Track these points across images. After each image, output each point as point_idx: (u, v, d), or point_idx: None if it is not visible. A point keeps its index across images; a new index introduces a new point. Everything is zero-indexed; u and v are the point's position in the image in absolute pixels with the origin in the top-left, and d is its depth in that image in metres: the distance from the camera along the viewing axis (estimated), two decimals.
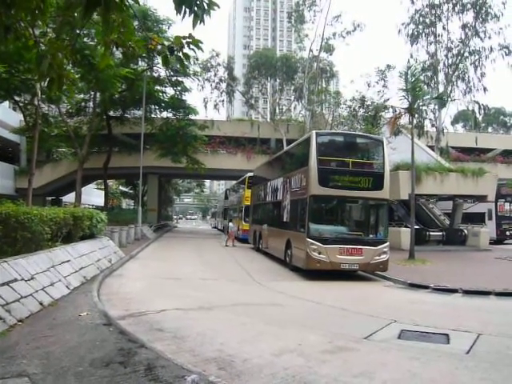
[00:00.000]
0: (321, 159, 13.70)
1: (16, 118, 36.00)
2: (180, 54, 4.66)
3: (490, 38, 34.55)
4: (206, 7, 4.11)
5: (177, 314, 8.03)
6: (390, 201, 15.28)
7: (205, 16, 4.17)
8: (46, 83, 5.09)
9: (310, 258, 13.19)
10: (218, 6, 4.24)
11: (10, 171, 37.57)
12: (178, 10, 4.06)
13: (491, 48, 35.02)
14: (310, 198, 13.51)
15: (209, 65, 40.94)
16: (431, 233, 25.85)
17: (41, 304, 7.42)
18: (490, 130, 69.14)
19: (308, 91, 40.52)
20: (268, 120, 45.70)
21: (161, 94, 33.27)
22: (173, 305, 8.62)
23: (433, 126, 36.52)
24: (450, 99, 34.04)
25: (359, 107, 32.61)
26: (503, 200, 29.98)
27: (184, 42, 4.58)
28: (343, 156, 14.53)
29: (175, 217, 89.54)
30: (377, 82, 33.33)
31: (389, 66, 33.50)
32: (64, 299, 8.33)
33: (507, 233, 29.45)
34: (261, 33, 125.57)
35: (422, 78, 27.86)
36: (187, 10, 4.07)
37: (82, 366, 4.81)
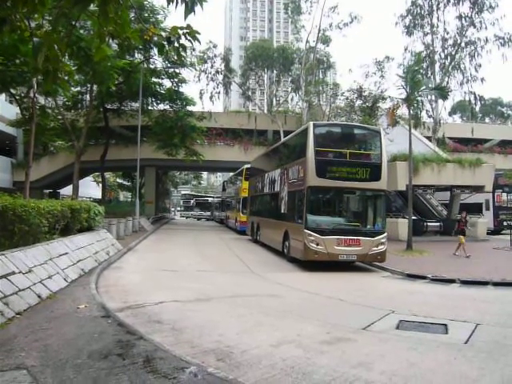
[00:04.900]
0: (318, 150, 13.68)
1: (12, 111, 35.77)
2: (177, 45, 4.62)
3: (486, 28, 34.66)
4: None
5: (175, 305, 8.03)
6: (387, 191, 15.29)
7: (196, 6, 4.13)
8: (42, 77, 5.02)
9: (308, 249, 13.21)
10: None
11: (7, 164, 37.51)
12: None
13: (486, 39, 35.12)
14: (307, 190, 13.50)
15: (206, 56, 40.71)
16: (429, 223, 25.91)
17: (39, 297, 7.41)
18: (487, 120, 69.17)
19: (305, 82, 40.40)
20: (265, 111, 45.59)
21: (157, 86, 33.14)
22: (171, 297, 8.62)
23: (430, 116, 36.56)
24: (449, 90, 34.10)
25: (356, 98, 32.52)
26: (500, 190, 30.01)
27: (181, 32, 4.54)
28: (340, 147, 14.55)
29: (173, 209, 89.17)
30: (374, 73, 33.27)
31: (387, 58, 33.41)
32: (62, 292, 8.32)
33: (504, 223, 29.49)
34: (257, 24, 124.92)
35: (417, 68, 27.87)
36: (178, 0, 4.04)
37: (80, 359, 4.80)
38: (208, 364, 4.86)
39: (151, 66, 31.49)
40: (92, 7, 4.69)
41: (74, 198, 22.19)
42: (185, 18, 4.21)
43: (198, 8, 4.23)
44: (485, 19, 34.51)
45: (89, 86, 28.04)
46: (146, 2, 27.73)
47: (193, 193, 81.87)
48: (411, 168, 19.42)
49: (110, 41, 5.00)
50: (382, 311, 7.99)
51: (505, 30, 35.68)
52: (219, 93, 44.07)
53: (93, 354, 4.97)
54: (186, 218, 63.48)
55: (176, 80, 33.12)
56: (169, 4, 4.11)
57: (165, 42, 4.63)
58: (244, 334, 6.35)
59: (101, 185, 37.87)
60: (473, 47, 35.70)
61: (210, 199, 66.75)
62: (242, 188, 28.57)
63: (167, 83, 33.80)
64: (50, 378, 4.32)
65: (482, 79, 36.55)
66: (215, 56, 42.25)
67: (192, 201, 68.20)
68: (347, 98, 33.46)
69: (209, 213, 61.80)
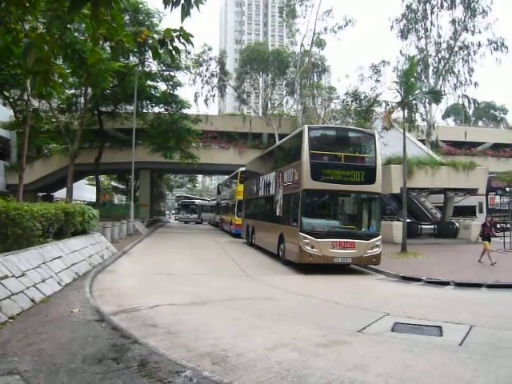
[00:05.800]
0: (313, 153, 13.70)
1: (6, 114, 35.65)
2: (170, 48, 4.61)
3: (480, 32, 35.05)
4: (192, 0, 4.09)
5: (170, 309, 7.99)
6: (381, 194, 15.33)
7: (192, 9, 4.14)
8: (32, 78, 5.01)
9: (303, 251, 13.20)
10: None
11: (1, 167, 37.33)
12: (166, 1, 4.03)
13: (479, 43, 35.48)
14: (302, 192, 13.51)
15: (201, 59, 40.75)
16: (423, 226, 26.00)
17: (32, 301, 7.35)
18: (480, 123, 69.56)
19: (300, 86, 40.50)
20: (260, 115, 45.63)
21: (152, 89, 33.14)
22: (166, 300, 8.59)
23: (423, 120, 36.77)
24: (442, 94, 34.37)
25: (352, 101, 32.62)
26: (494, 193, 30.19)
27: (174, 35, 4.53)
28: (335, 150, 14.56)
29: (167, 212, 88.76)
30: (370, 77, 33.41)
31: (384, 62, 33.55)
32: (56, 296, 8.27)
33: (498, 226, 29.62)
34: (252, 27, 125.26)
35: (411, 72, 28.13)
36: (174, 2, 4.05)
37: (74, 363, 4.76)
38: (203, 368, 4.84)
39: (146, 69, 31.48)
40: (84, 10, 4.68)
41: (68, 201, 22.09)
42: (181, 21, 4.22)
43: (194, 10, 4.23)
44: (478, 23, 34.95)
45: (83, 88, 27.95)
46: (141, 6, 27.74)
47: (188, 195, 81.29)
48: (405, 171, 19.50)
49: (104, 44, 4.97)
50: (377, 314, 8.00)
51: (498, 34, 36.18)
52: (214, 96, 44.08)
53: (87, 358, 4.93)
54: (179, 220, 62.38)
55: (171, 83, 33.15)
56: (165, 6, 4.11)
57: (158, 46, 4.63)
58: (239, 337, 6.33)
59: (95, 188, 37.69)
60: (466, 51, 36.05)
61: (197, 201, 65.12)
62: (237, 191, 28.51)
63: (162, 86, 33.88)
64: (43, 382, 4.28)
65: (476, 83, 36.95)
66: (210, 59, 42.26)
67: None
68: (343, 101, 33.55)
69: (196, 215, 60.12)
